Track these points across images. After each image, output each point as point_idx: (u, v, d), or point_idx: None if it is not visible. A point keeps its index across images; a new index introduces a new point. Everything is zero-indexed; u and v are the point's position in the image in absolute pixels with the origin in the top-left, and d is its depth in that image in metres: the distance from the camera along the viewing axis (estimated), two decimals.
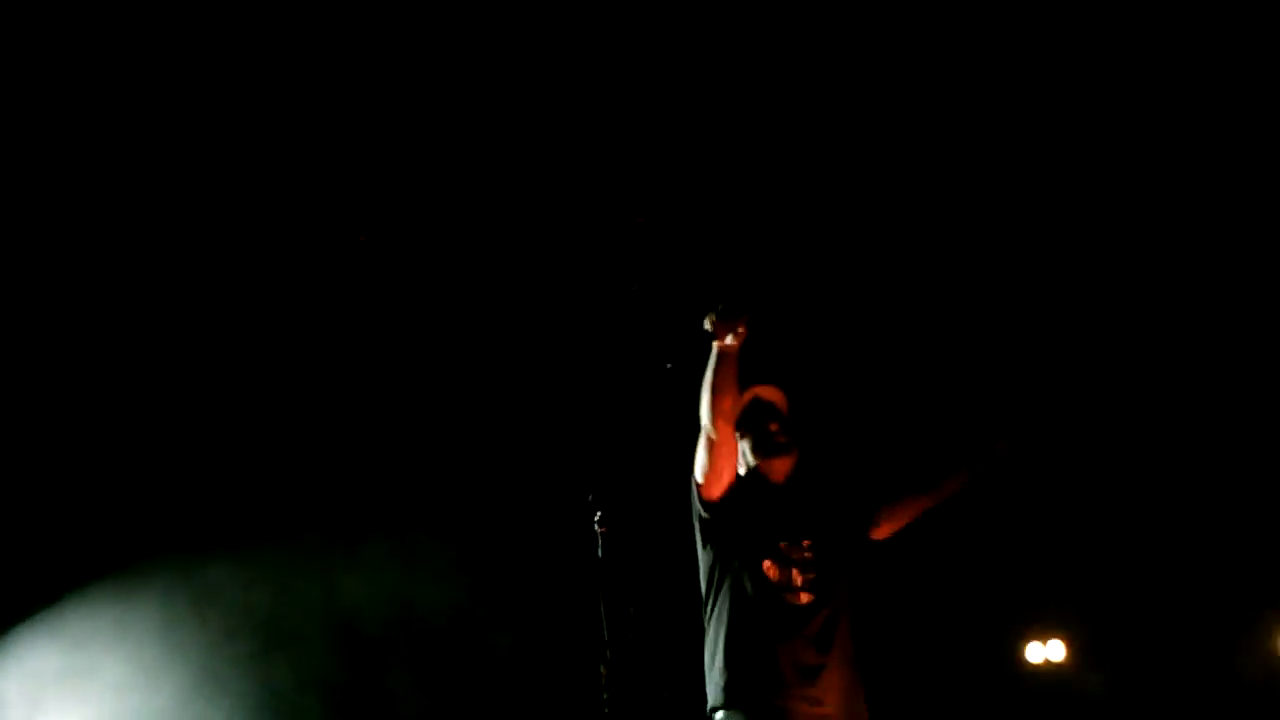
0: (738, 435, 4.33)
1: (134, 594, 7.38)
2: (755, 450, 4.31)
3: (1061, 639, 8.09)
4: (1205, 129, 6.12)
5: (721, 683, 4.08)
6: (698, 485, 4.24)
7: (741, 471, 4.34)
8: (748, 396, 4.39)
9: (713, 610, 4.18)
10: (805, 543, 4.17)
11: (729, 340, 4.03)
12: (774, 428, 4.33)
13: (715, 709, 4.12)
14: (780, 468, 4.31)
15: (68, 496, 7.16)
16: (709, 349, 4.11)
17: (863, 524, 4.33)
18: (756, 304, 4.09)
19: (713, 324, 4.03)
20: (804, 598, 4.09)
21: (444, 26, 5.51)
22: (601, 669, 4.46)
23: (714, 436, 4.14)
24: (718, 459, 4.17)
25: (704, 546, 4.27)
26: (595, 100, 5.97)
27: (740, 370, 4.15)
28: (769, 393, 4.41)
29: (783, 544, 4.14)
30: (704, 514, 4.25)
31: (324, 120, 5.92)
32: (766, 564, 4.11)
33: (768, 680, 4.00)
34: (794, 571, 4.11)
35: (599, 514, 4.58)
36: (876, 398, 7.31)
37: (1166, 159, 6.31)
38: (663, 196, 7.22)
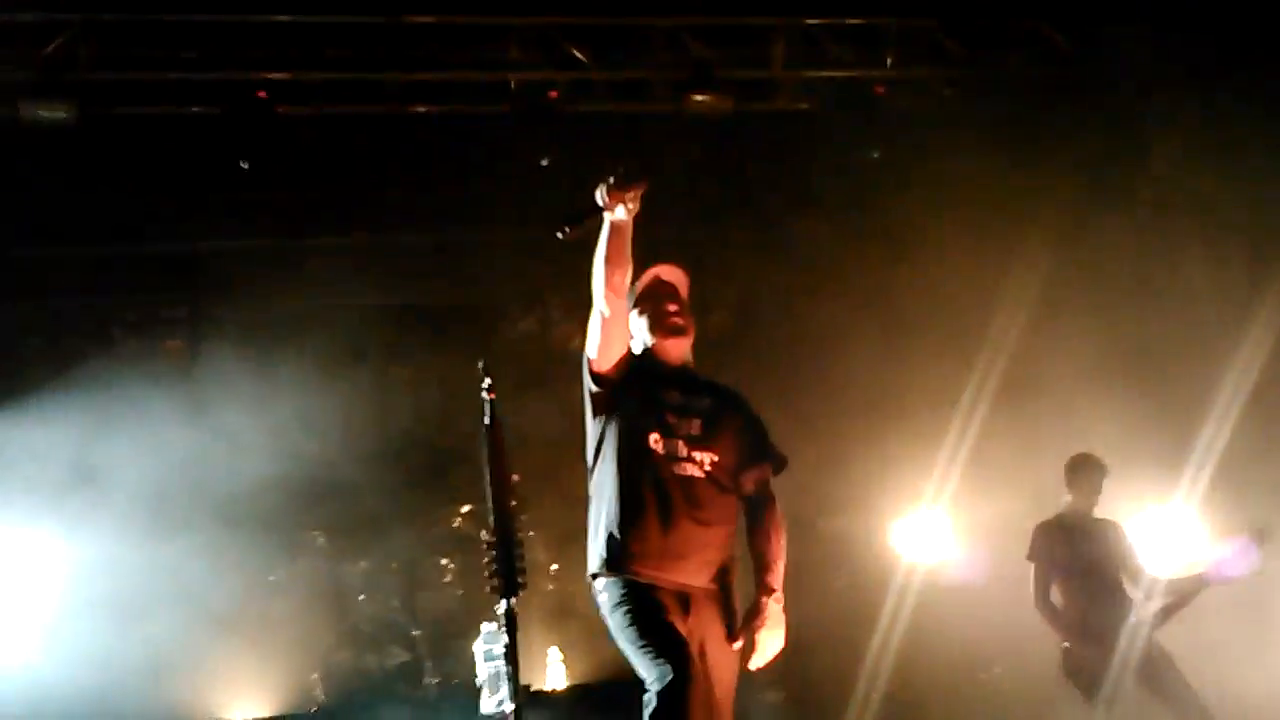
0: (636, 312, 4.30)
1: None
2: (652, 328, 4.27)
3: None
4: None
5: (602, 551, 4.11)
6: (589, 359, 4.20)
7: (636, 349, 4.31)
8: (649, 274, 4.34)
9: (598, 480, 4.20)
10: (694, 420, 4.17)
11: (621, 211, 3.95)
12: (672, 308, 4.30)
13: (595, 575, 4.17)
14: (676, 348, 4.29)
15: None
16: (602, 220, 4.01)
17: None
18: (652, 175, 3.99)
19: (606, 193, 3.92)
20: (690, 469, 4.10)
21: None
22: (484, 534, 4.47)
23: (605, 310, 4.08)
24: (609, 333, 4.13)
25: (593, 418, 4.26)
26: None
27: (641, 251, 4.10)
28: (670, 272, 4.35)
29: (671, 417, 4.14)
30: (594, 387, 4.23)
31: None
32: (654, 435, 4.10)
33: (648, 549, 4.04)
34: (680, 444, 4.12)
35: (487, 380, 4.52)
36: None
37: None
38: None
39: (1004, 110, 8.90)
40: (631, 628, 3.99)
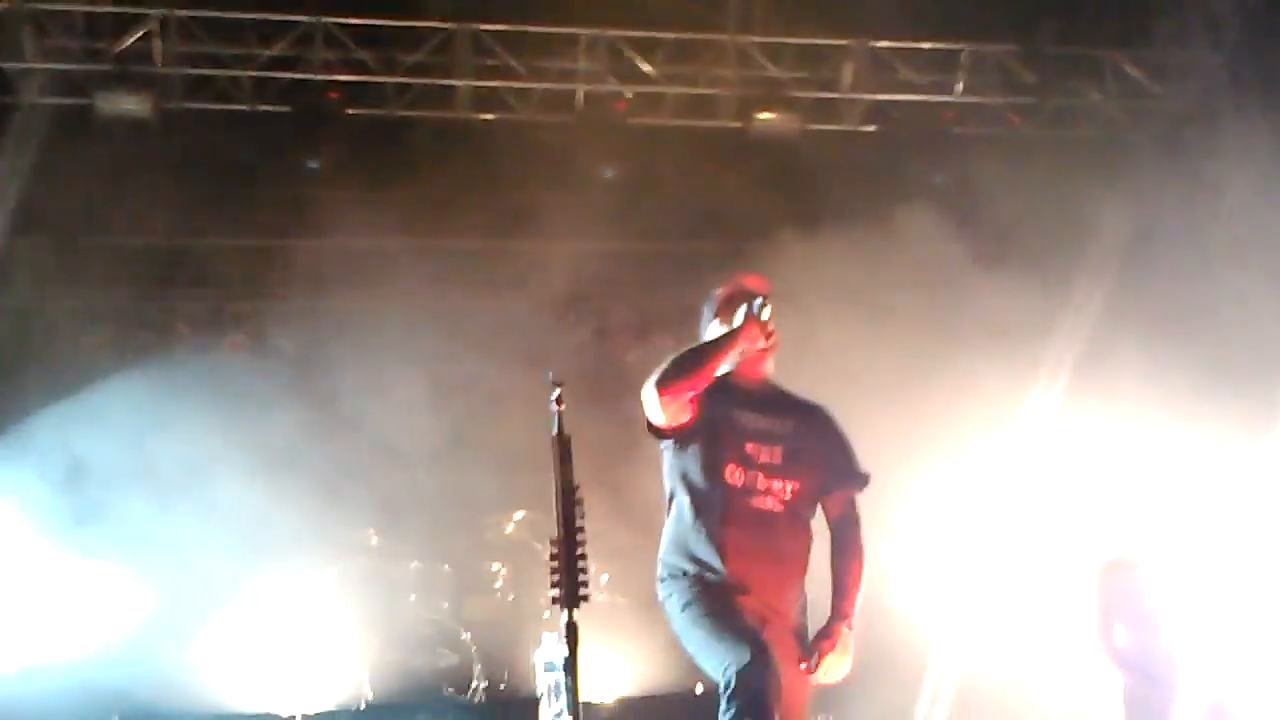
0: (718, 323, 4.24)
1: None
2: None
3: None
4: None
5: (679, 561, 4.03)
6: (655, 425, 4.08)
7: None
8: (733, 284, 4.24)
9: (675, 510, 4.11)
10: (775, 449, 4.07)
11: (753, 340, 4.05)
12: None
13: (667, 577, 4.07)
14: (759, 364, 4.17)
15: None
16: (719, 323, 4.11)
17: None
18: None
19: (750, 320, 4.04)
20: (768, 502, 4.01)
21: None
22: (549, 544, 4.44)
23: (683, 402, 4.01)
24: (680, 410, 4.04)
25: (667, 448, 4.16)
26: None
27: None
28: (756, 284, 4.22)
29: (750, 445, 4.04)
30: (667, 440, 4.13)
31: None
32: (731, 468, 4.01)
33: (721, 580, 3.96)
34: (759, 475, 4.02)
35: (557, 391, 4.50)
36: None
37: None
38: None
39: (1075, 141, 8.82)
40: (707, 618, 3.89)
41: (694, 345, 4.10)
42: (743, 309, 4.07)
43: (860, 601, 4.10)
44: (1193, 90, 9.35)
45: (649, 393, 3.99)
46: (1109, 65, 9.36)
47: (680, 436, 4.09)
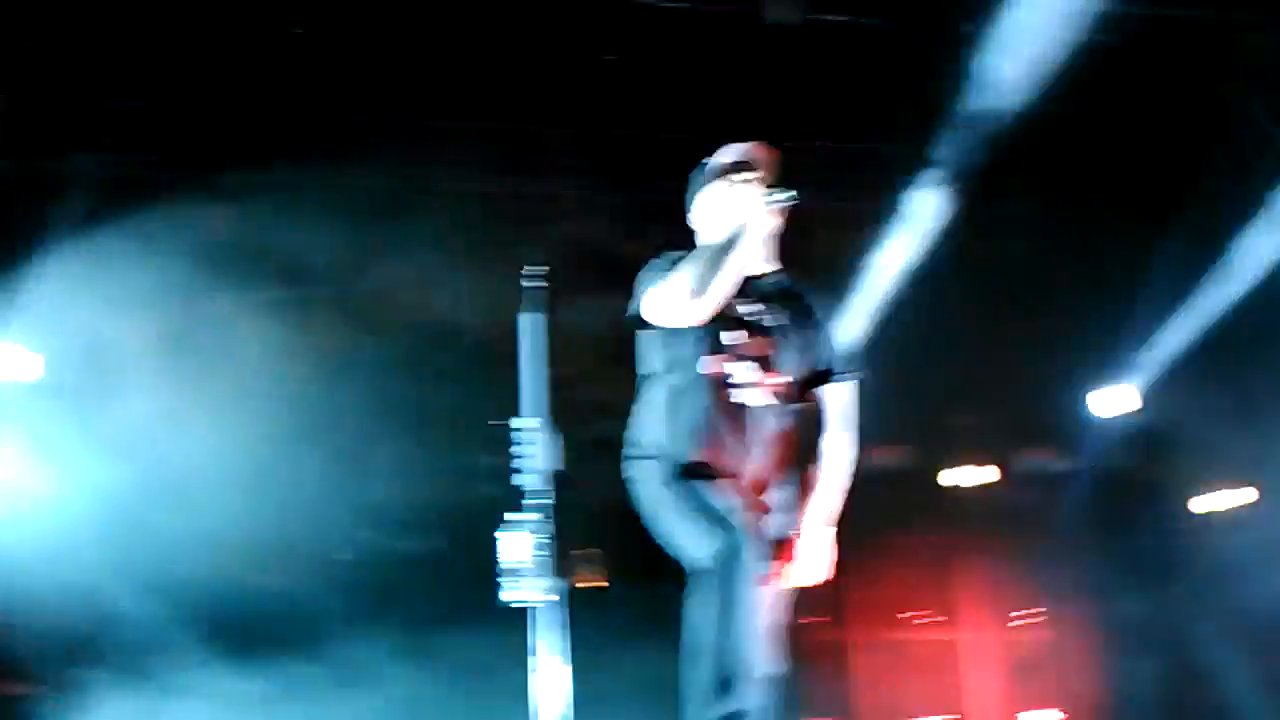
0: (708, 192, 4.02)
1: None
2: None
3: None
4: None
5: (646, 464, 3.87)
6: (646, 314, 3.89)
7: (707, 239, 3.99)
8: (729, 150, 4.04)
9: (646, 390, 3.93)
10: (761, 336, 3.85)
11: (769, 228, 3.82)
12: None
13: (637, 457, 3.89)
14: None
15: None
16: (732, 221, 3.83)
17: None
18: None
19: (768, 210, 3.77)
20: (748, 395, 3.81)
21: None
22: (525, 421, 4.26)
23: (701, 314, 3.74)
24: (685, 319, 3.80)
25: (644, 331, 3.96)
26: None
27: None
28: (756, 151, 3.99)
29: (733, 333, 3.83)
30: (650, 328, 3.93)
31: None
32: (711, 357, 3.82)
33: (695, 465, 3.78)
34: (740, 365, 3.83)
35: (538, 269, 4.28)
36: None
37: None
38: None
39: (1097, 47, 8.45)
40: (680, 501, 3.71)
41: (714, 249, 3.77)
42: (750, 191, 3.82)
43: (828, 503, 3.90)
44: None
45: (682, 305, 3.72)
46: None
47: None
